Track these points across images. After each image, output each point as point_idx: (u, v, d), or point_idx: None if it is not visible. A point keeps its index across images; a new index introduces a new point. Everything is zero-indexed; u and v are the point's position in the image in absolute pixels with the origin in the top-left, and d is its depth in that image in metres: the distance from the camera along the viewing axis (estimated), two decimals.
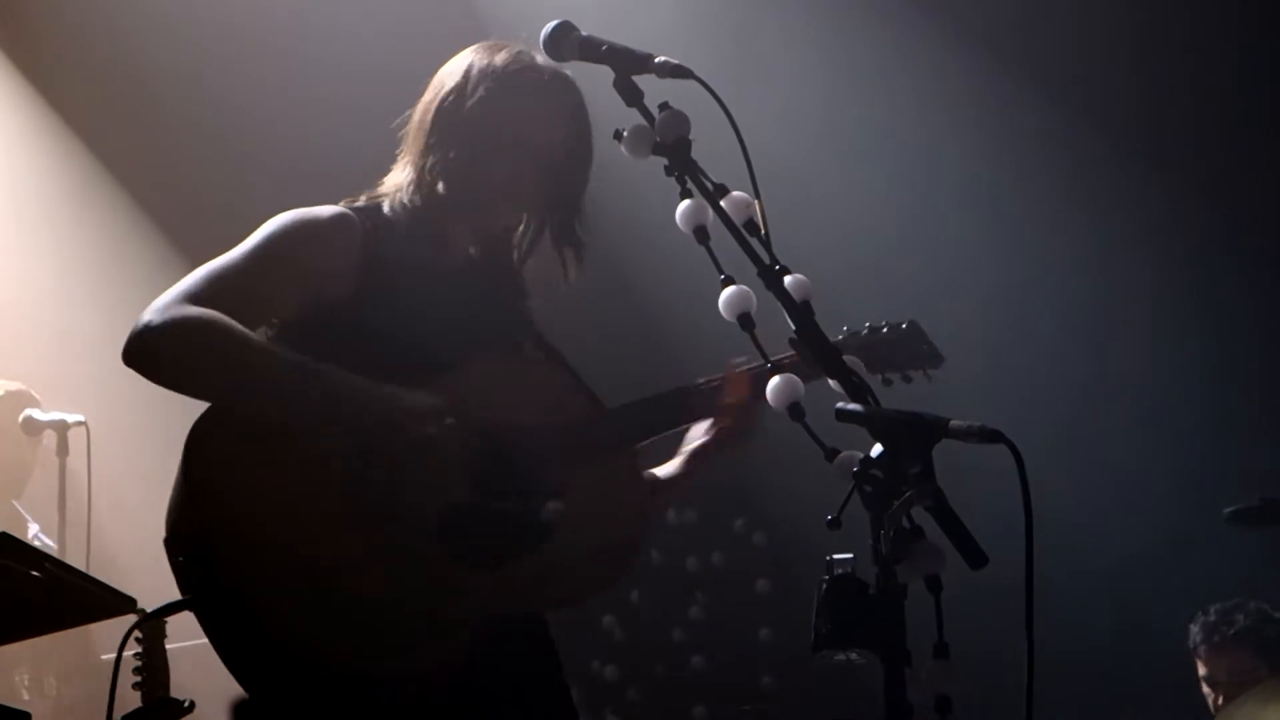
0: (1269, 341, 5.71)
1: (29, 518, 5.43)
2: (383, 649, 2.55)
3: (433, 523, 2.61)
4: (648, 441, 2.90)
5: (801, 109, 5.96)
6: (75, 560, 4.72)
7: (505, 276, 2.94)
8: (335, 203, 2.83)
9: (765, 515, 6.24)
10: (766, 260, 2.37)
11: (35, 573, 2.94)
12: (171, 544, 2.57)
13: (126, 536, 5.47)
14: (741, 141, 2.45)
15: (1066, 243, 5.90)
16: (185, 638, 3.02)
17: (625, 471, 2.83)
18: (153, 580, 2.88)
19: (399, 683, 2.56)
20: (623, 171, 2.79)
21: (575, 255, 2.93)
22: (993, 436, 2.12)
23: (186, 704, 2.97)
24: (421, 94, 2.91)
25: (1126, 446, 5.70)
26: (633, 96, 2.48)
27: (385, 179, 2.89)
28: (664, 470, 3.03)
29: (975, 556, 2.10)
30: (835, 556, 2.13)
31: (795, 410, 2.31)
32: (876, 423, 2.17)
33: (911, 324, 3.02)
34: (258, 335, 2.67)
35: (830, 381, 2.31)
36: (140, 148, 6.34)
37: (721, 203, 2.42)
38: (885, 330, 2.99)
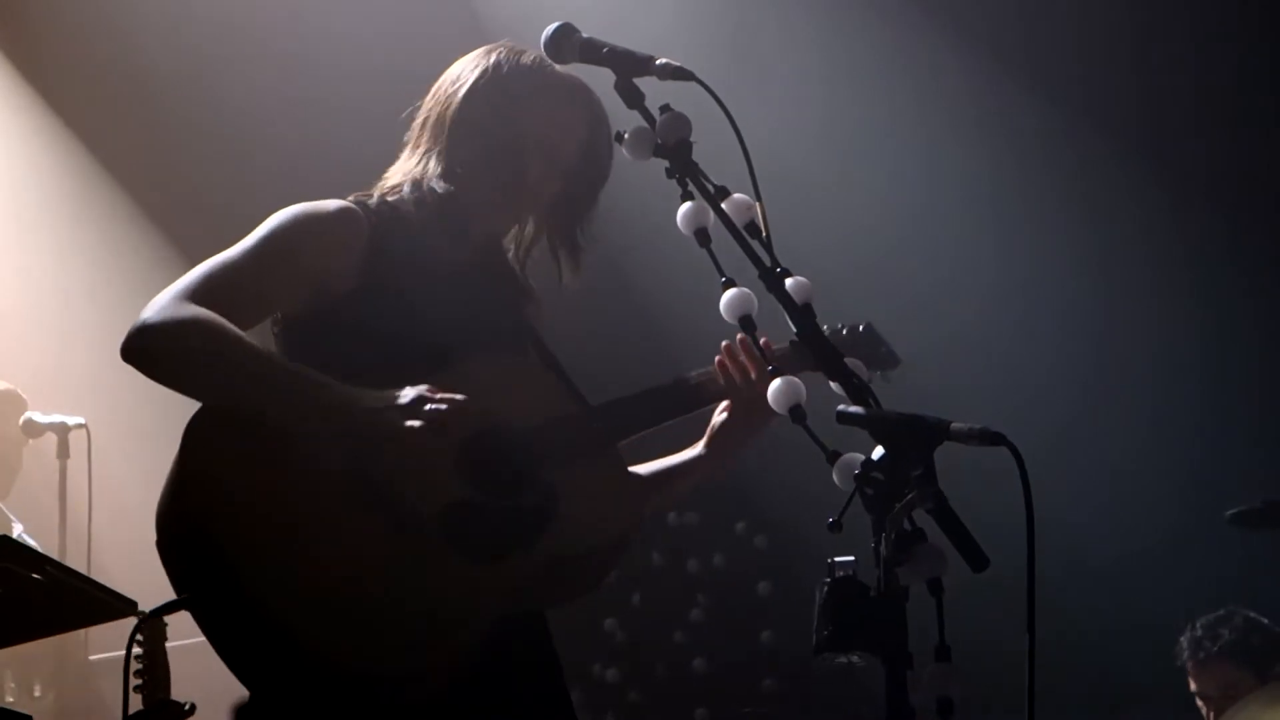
0: (1270, 342, 5.71)
1: (14, 518, 5.42)
2: (383, 648, 2.54)
3: (432, 520, 2.61)
4: (639, 435, 2.89)
5: (801, 110, 5.96)
6: (76, 563, 4.72)
7: (508, 277, 2.94)
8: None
9: (766, 518, 6.24)
10: (768, 262, 2.37)
11: (36, 575, 2.94)
12: (166, 536, 2.55)
13: (127, 539, 5.45)
14: (742, 143, 2.45)
15: (1067, 243, 5.90)
16: (184, 636, 3.02)
17: (617, 467, 2.82)
18: (154, 583, 2.87)
19: (399, 682, 2.55)
20: (624, 173, 2.79)
21: (572, 261, 2.93)
22: (994, 439, 2.12)
23: (187, 706, 2.97)
24: (434, 86, 2.90)
25: (1127, 447, 5.69)
26: (634, 99, 2.49)
27: (393, 169, 2.88)
28: (684, 455, 3.03)
29: (977, 559, 2.11)
30: (837, 559, 2.13)
31: (797, 413, 2.31)
32: (878, 425, 2.18)
33: (867, 326, 3.01)
34: (261, 330, 2.67)
35: (831, 384, 2.31)
36: (140, 148, 6.33)
37: (723, 205, 2.42)
38: (843, 333, 2.98)
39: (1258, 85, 5.71)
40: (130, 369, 2.60)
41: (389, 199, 2.81)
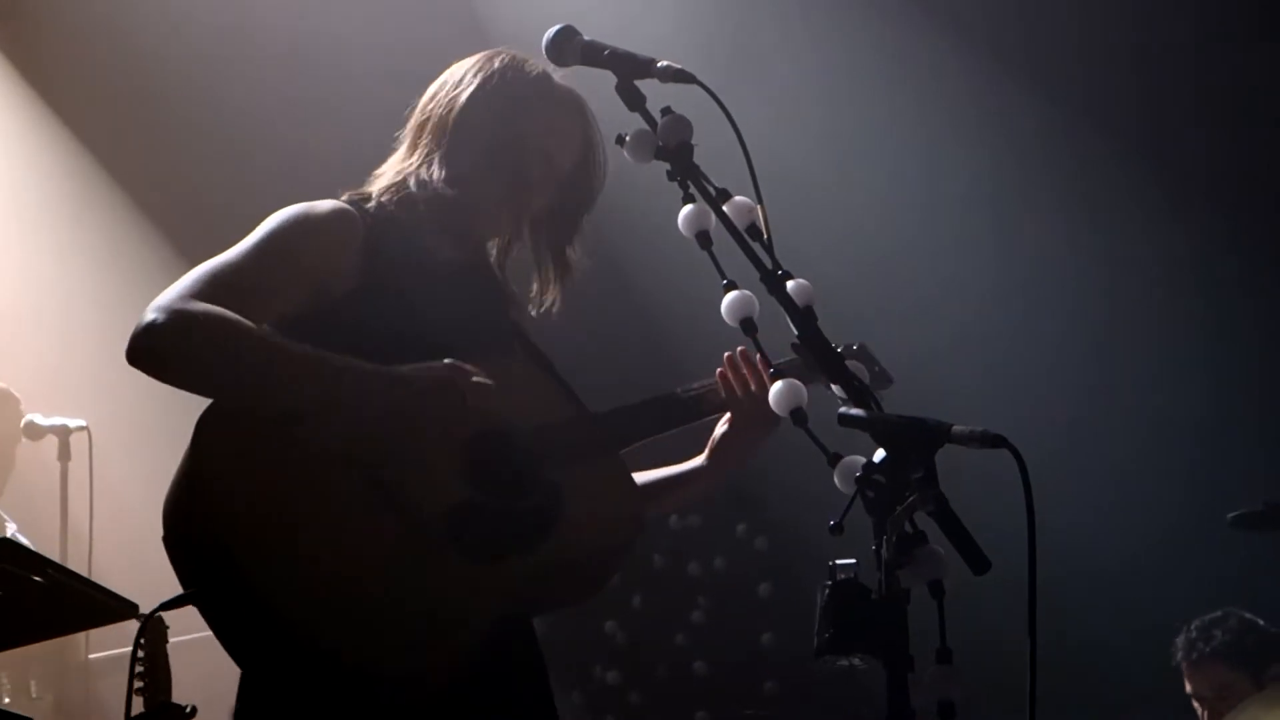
0: (1271, 343, 5.71)
1: (7, 518, 5.43)
2: (384, 647, 2.54)
3: (435, 520, 2.61)
4: (640, 443, 2.90)
5: (802, 112, 5.96)
6: (76, 565, 4.72)
7: (494, 280, 2.94)
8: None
9: (767, 520, 6.24)
10: (769, 265, 2.37)
11: (37, 578, 2.95)
12: (174, 533, 2.55)
13: (128, 541, 5.46)
14: (743, 145, 2.45)
15: (1067, 244, 5.90)
16: (184, 632, 3.03)
17: (618, 471, 2.83)
18: (154, 584, 2.88)
19: (400, 681, 2.55)
20: (625, 176, 2.79)
21: (560, 277, 2.94)
22: (995, 442, 2.12)
23: (188, 709, 2.98)
24: (432, 88, 2.90)
25: (1128, 449, 5.69)
26: (635, 101, 2.49)
27: (385, 167, 2.88)
28: (686, 465, 3.04)
29: (978, 561, 2.11)
30: (838, 561, 2.13)
31: (798, 415, 2.31)
32: (879, 428, 2.18)
33: (861, 346, 3.03)
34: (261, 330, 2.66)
35: (833, 387, 2.31)
36: (141, 149, 6.33)
37: (724, 207, 2.42)
38: (839, 350, 2.99)
39: (1258, 85, 5.70)
40: (131, 371, 2.58)
41: (383, 198, 2.81)
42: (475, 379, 2.63)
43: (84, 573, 4.08)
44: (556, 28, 2.58)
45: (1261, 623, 4.76)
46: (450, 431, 2.63)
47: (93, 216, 6.45)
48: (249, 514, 2.53)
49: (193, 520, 2.53)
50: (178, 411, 2.70)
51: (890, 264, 5.87)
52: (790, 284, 2.36)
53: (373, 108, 3.07)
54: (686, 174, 2.43)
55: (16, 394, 5.65)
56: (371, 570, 2.56)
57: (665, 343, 5.76)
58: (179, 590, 2.56)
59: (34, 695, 5.13)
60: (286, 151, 5.85)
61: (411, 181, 2.81)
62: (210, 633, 2.55)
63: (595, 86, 2.71)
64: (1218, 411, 5.71)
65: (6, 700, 5.05)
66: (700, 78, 2.47)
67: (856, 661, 2.12)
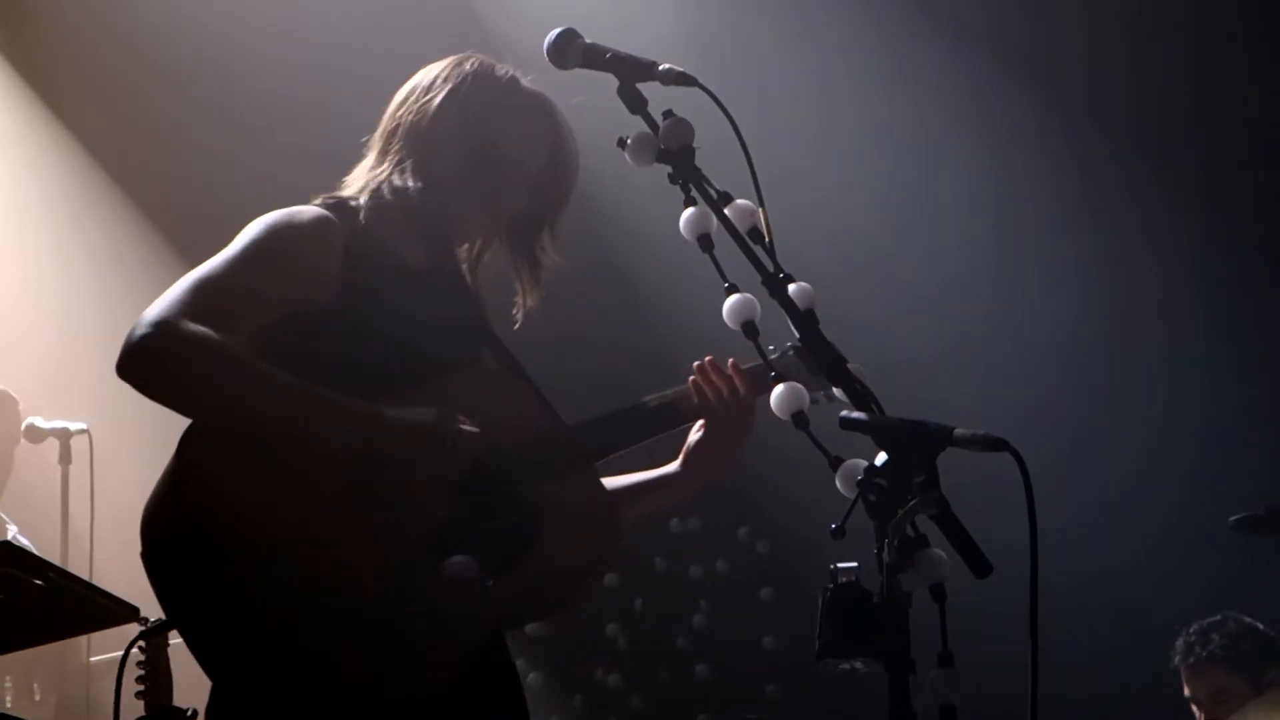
0: (1272, 345, 5.71)
1: (7, 519, 5.43)
2: (366, 666, 2.53)
3: (418, 541, 2.60)
4: (614, 455, 2.88)
5: (803, 115, 5.96)
6: (77, 568, 4.72)
7: (466, 286, 2.94)
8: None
9: (769, 523, 6.24)
10: (770, 268, 2.37)
11: (39, 581, 2.95)
12: (154, 541, 2.53)
13: (129, 544, 5.45)
14: (745, 148, 2.45)
15: (1068, 245, 5.90)
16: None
17: (593, 484, 2.82)
18: None
19: (380, 700, 2.54)
20: (627, 179, 2.79)
21: (533, 279, 2.93)
22: (997, 445, 2.12)
23: (189, 713, 2.98)
24: (402, 94, 2.88)
25: (1129, 452, 5.69)
26: (636, 104, 2.49)
27: (355, 174, 2.87)
28: (659, 471, 3.03)
29: (980, 565, 2.10)
30: (839, 565, 2.12)
31: (799, 419, 2.31)
32: (881, 431, 2.17)
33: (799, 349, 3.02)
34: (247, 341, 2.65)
35: (834, 390, 2.31)
36: (142, 152, 6.33)
37: (725, 210, 2.42)
38: (790, 355, 2.99)
39: (1258, 85, 5.70)
40: None
41: (353, 204, 2.80)
42: (463, 428, 2.62)
43: (85, 576, 4.07)
44: (558, 31, 2.58)
45: (1261, 626, 4.75)
46: (435, 474, 2.62)
47: (93, 218, 6.44)
48: (230, 532, 2.52)
49: (173, 536, 2.52)
50: (179, 416, 2.70)
51: (891, 266, 5.87)
52: (792, 287, 2.36)
53: (373, 109, 3.06)
54: (688, 177, 2.43)
55: (15, 396, 5.65)
56: (354, 590, 2.55)
57: (666, 346, 5.75)
58: (150, 578, 2.54)
59: (36, 698, 5.13)
60: (286, 152, 5.84)
61: (385, 189, 2.79)
62: None
63: (597, 89, 2.71)
64: (1219, 414, 5.70)
65: (9, 703, 5.05)
66: (701, 80, 2.47)
67: (858, 665, 2.13)
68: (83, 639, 5.17)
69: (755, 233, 2.41)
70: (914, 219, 5.96)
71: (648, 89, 2.50)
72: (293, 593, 2.51)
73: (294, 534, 2.54)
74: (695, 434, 2.98)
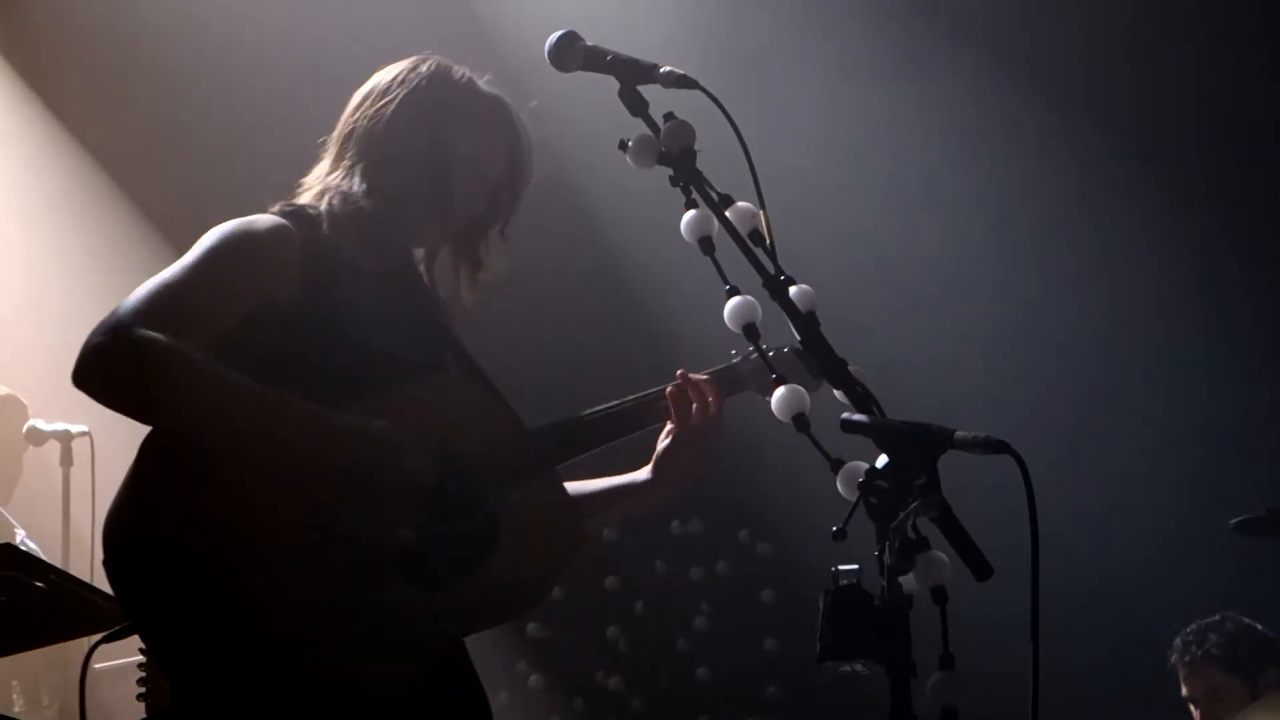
0: (1274, 346, 5.71)
1: (15, 523, 5.42)
2: (328, 672, 2.53)
3: (380, 547, 2.59)
4: (577, 459, 2.88)
5: (803, 117, 5.96)
6: (79, 571, 4.71)
7: (424, 290, 2.93)
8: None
9: (770, 525, 6.23)
10: (772, 270, 2.38)
11: (39, 583, 2.95)
12: (116, 554, 2.54)
13: None
14: (746, 151, 2.45)
15: (1069, 247, 5.90)
16: None
17: (555, 488, 2.82)
18: None
19: (343, 707, 2.54)
20: (628, 181, 2.79)
21: (471, 276, 2.92)
22: (998, 447, 2.13)
23: None
24: (359, 96, 2.89)
25: (1131, 455, 5.68)
26: (637, 106, 2.49)
27: (312, 177, 2.87)
28: (629, 478, 3.02)
29: (981, 567, 2.11)
30: (840, 567, 2.12)
31: (800, 421, 2.31)
32: (882, 433, 2.18)
33: (792, 349, 3.03)
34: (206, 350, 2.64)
35: (835, 392, 2.31)
36: (145, 154, 6.32)
37: (726, 213, 2.42)
38: (771, 355, 3.00)
39: (1258, 85, 5.70)
40: None
41: (311, 212, 2.79)
42: (420, 452, 2.61)
43: (86, 578, 4.07)
44: (559, 33, 2.58)
45: (1259, 627, 4.75)
46: (397, 487, 2.62)
47: (93, 220, 6.44)
48: (186, 537, 2.50)
49: (129, 542, 2.52)
50: None
51: (891, 267, 5.87)
52: (793, 289, 2.36)
53: None
54: (689, 180, 2.43)
55: (24, 400, 5.65)
56: (312, 594, 2.54)
57: (668, 348, 5.75)
58: (113, 586, 2.54)
59: (44, 703, 5.14)
60: (286, 152, 5.77)
61: (336, 196, 2.79)
62: None
63: (598, 91, 2.71)
64: (1219, 415, 5.70)
65: (18, 711, 5.05)
66: (703, 83, 2.47)
67: (859, 667, 2.12)
68: (86, 647, 5.17)
69: (756, 235, 2.42)
70: (914, 220, 5.96)
71: (649, 91, 2.50)
72: (250, 598, 2.50)
73: (252, 539, 2.53)
74: (664, 441, 2.97)
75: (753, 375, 2.97)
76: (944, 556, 2.12)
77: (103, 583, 3.48)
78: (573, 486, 2.91)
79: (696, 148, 2.44)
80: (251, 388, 2.54)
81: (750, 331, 2.39)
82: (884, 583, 2.09)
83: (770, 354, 2.89)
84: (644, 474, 2.99)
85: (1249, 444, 5.64)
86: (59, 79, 6.39)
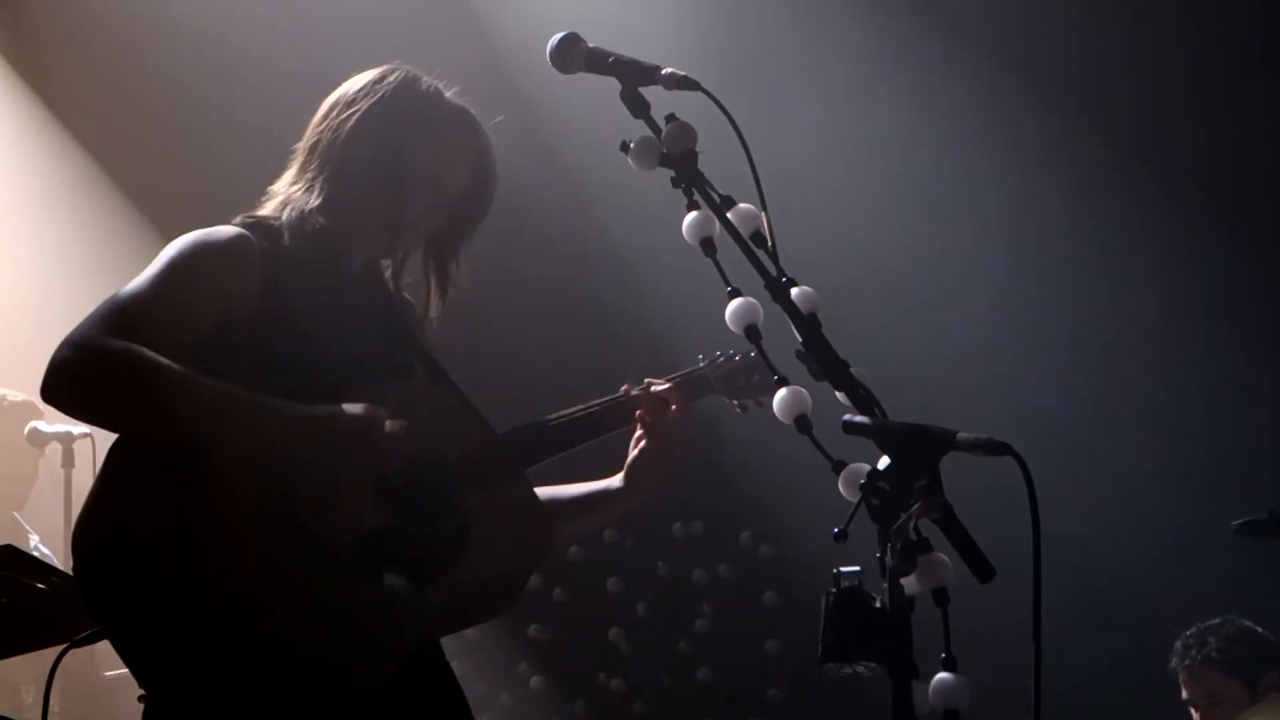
0: (1272, 346, 5.70)
1: (29, 529, 5.42)
2: (299, 675, 2.54)
3: (349, 548, 2.60)
4: (545, 461, 2.90)
5: (805, 119, 5.96)
6: None
7: (391, 299, 2.93)
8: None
9: (772, 527, 6.22)
10: (773, 272, 2.37)
11: (41, 585, 2.95)
12: (85, 560, 2.52)
13: None
14: (748, 152, 2.45)
15: (1070, 249, 5.90)
16: None
17: (524, 492, 2.83)
18: None
19: (315, 709, 2.55)
20: (629, 183, 2.78)
21: (440, 289, 2.94)
22: (1000, 449, 2.12)
23: None
24: (326, 106, 2.89)
25: (1133, 457, 5.68)
26: (639, 108, 2.49)
27: (278, 185, 2.87)
28: (601, 485, 3.03)
29: (983, 569, 2.11)
30: (842, 569, 2.12)
31: (802, 423, 2.31)
32: (884, 435, 2.17)
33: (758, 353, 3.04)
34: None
35: (837, 394, 2.31)
36: (142, 152, 6.32)
37: (728, 214, 2.42)
38: (737, 359, 3.04)
39: (1258, 85, 5.70)
40: None
41: (274, 222, 2.80)
42: (390, 424, 2.62)
43: None
44: (560, 35, 2.58)
45: (1260, 630, 4.75)
46: (363, 473, 2.62)
47: (93, 219, 6.44)
48: (153, 541, 2.51)
49: (94, 547, 2.51)
50: None
51: (893, 268, 5.86)
52: (794, 291, 2.36)
53: None
54: (691, 181, 2.43)
55: (40, 406, 5.65)
56: (282, 596, 2.55)
57: (669, 350, 5.75)
58: (84, 590, 2.54)
59: (53, 709, 5.14)
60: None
61: (293, 211, 2.80)
62: None
63: (599, 92, 2.71)
64: (1222, 418, 5.70)
65: (26, 715, 5.06)
66: (704, 84, 2.47)
67: (861, 669, 2.12)
68: (95, 655, 5.17)
69: (758, 237, 2.41)
70: (915, 221, 5.95)
71: (650, 93, 2.50)
72: (218, 601, 2.51)
73: (220, 542, 2.53)
74: (635, 450, 2.99)
75: (718, 379, 3.01)
76: (946, 558, 2.12)
77: None
78: (546, 491, 2.93)
79: (698, 149, 2.44)
80: (209, 382, 2.55)
81: (752, 333, 2.39)
82: (886, 584, 2.09)
83: (736, 358, 2.93)
84: (616, 481, 3.01)
85: (1250, 445, 5.64)
86: (59, 79, 6.39)
